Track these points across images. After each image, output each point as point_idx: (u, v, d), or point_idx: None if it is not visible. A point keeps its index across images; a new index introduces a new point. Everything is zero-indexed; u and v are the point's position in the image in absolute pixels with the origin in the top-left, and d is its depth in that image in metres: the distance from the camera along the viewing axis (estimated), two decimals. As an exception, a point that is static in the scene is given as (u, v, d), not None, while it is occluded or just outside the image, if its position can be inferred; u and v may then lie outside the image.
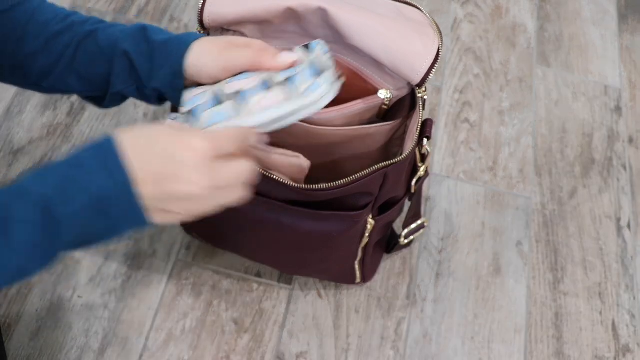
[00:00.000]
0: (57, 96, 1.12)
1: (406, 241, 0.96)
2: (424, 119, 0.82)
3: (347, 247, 0.89)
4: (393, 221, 0.95)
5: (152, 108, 1.13)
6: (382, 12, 0.80)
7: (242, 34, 0.83)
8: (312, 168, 0.79)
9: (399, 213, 0.93)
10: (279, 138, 0.77)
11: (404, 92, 0.83)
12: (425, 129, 0.82)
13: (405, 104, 0.84)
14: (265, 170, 0.76)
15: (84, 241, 0.58)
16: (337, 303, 0.97)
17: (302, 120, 0.76)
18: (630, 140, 1.22)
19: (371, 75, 0.83)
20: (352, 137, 0.82)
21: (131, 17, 1.25)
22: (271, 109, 0.66)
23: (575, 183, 1.14)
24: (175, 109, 0.75)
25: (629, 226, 1.10)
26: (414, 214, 0.94)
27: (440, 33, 0.80)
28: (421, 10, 0.82)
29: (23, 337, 0.90)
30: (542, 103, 1.24)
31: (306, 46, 0.72)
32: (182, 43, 0.71)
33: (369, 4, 0.81)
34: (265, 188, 0.79)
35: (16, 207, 0.54)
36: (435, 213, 1.08)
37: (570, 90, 1.27)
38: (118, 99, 0.76)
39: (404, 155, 0.79)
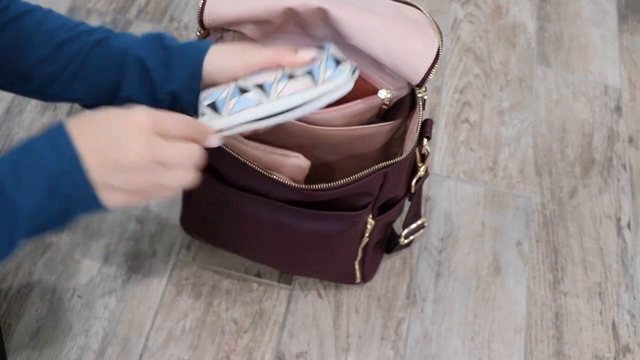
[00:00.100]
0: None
1: (406, 241, 0.96)
2: (424, 119, 0.82)
3: (347, 247, 0.89)
4: (393, 221, 0.95)
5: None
6: (382, 12, 0.80)
7: (242, 34, 0.83)
8: (312, 168, 0.79)
9: (399, 213, 0.93)
10: (279, 138, 0.77)
11: (404, 92, 0.83)
12: (425, 129, 0.82)
13: (405, 104, 0.84)
14: (265, 170, 0.76)
15: (42, 225, 0.59)
16: (337, 303, 0.97)
17: (302, 120, 0.76)
18: (630, 140, 1.22)
19: (371, 75, 0.83)
20: (352, 137, 0.82)
21: (131, 17, 1.25)
22: (297, 93, 0.66)
23: (575, 183, 1.14)
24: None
25: (629, 226, 1.10)
26: (414, 214, 0.94)
27: (440, 33, 0.80)
28: (421, 10, 0.82)
29: (23, 337, 0.90)
30: (542, 103, 1.24)
31: (320, 47, 0.72)
32: (201, 45, 0.72)
33: (369, 4, 0.81)
34: (265, 188, 0.79)
35: None
36: (435, 213, 1.08)
37: (570, 90, 1.27)
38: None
39: (404, 155, 0.79)
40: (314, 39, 0.84)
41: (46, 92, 0.76)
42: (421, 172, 0.86)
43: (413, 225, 0.95)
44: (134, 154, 0.57)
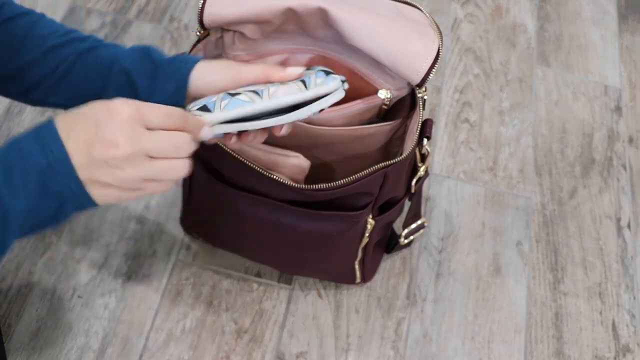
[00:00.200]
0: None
1: (406, 241, 0.96)
2: (424, 119, 0.82)
3: (347, 247, 0.89)
4: (393, 221, 0.95)
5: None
6: (382, 12, 0.80)
7: (242, 34, 0.83)
8: (312, 168, 0.79)
9: (399, 213, 0.93)
10: (279, 138, 0.77)
11: (404, 92, 0.83)
12: (425, 129, 0.82)
13: (405, 104, 0.84)
14: (265, 170, 0.76)
15: (35, 224, 0.58)
16: (337, 303, 0.97)
17: (302, 120, 0.76)
18: (630, 140, 1.22)
19: (371, 75, 0.83)
20: (352, 137, 0.82)
21: (131, 17, 1.25)
22: (290, 94, 0.66)
23: (575, 183, 1.14)
24: None
25: (629, 226, 1.10)
26: (414, 214, 0.94)
27: (440, 33, 0.80)
28: (421, 10, 0.82)
29: (23, 337, 0.90)
30: (542, 103, 1.24)
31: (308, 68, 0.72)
32: (188, 59, 0.71)
33: (369, 4, 0.81)
34: (265, 188, 0.79)
35: None
36: (435, 213, 1.08)
37: (570, 90, 1.27)
38: None
39: (404, 155, 0.79)
40: (314, 39, 0.84)
41: (30, 96, 0.76)
42: (421, 172, 0.86)
43: (413, 225, 0.95)
44: (118, 148, 0.56)
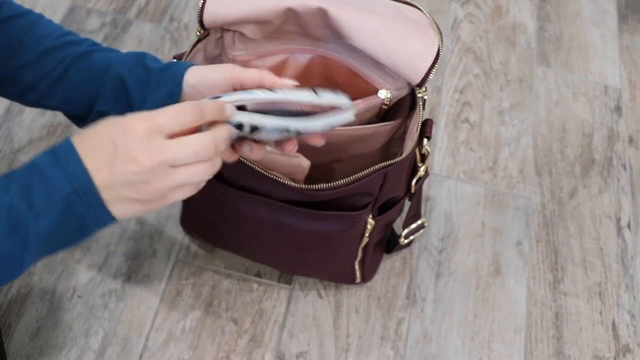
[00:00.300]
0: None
1: (406, 241, 0.96)
2: (424, 119, 0.82)
3: (347, 247, 0.89)
4: (393, 221, 0.95)
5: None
6: (382, 12, 0.80)
7: (242, 34, 0.83)
8: (312, 168, 0.79)
9: (399, 213, 0.93)
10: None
11: (404, 92, 0.83)
12: (425, 129, 0.82)
13: (405, 104, 0.84)
14: (265, 170, 0.76)
15: (55, 246, 0.59)
16: (337, 303, 0.97)
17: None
18: (630, 140, 1.22)
19: (371, 75, 0.83)
20: (352, 137, 0.82)
21: (131, 17, 1.25)
22: (303, 92, 0.64)
23: (575, 183, 1.14)
24: None
25: (629, 226, 1.10)
26: (414, 214, 0.94)
27: (440, 33, 0.80)
28: (421, 10, 0.82)
29: (23, 337, 0.90)
30: (542, 103, 1.24)
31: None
32: (181, 65, 0.71)
33: (369, 4, 0.81)
34: (265, 188, 0.79)
35: None
36: (435, 213, 1.08)
37: (570, 90, 1.27)
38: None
39: (404, 155, 0.79)
40: (314, 39, 0.84)
41: (26, 97, 0.76)
42: (421, 172, 0.86)
43: (413, 225, 0.95)
44: (138, 163, 0.55)
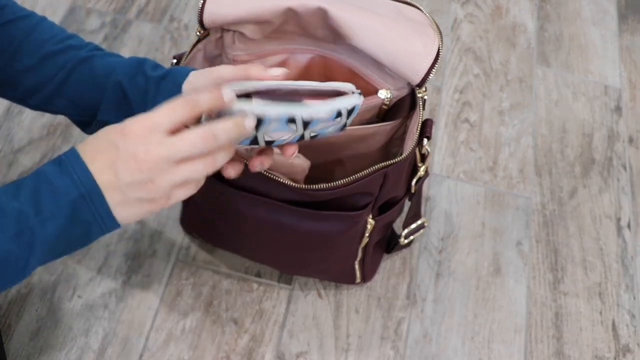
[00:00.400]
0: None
1: (406, 241, 0.96)
2: (424, 119, 0.82)
3: (347, 247, 0.89)
4: (393, 221, 0.95)
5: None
6: (382, 12, 0.80)
7: (242, 34, 0.83)
8: (312, 168, 0.79)
9: (399, 213, 0.93)
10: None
11: (404, 92, 0.83)
12: (425, 129, 0.82)
13: (405, 104, 0.84)
14: (265, 170, 0.76)
15: (60, 252, 0.60)
16: (337, 303, 0.97)
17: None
18: (630, 140, 1.22)
19: (371, 75, 0.83)
20: (352, 137, 0.82)
21: (131, 17, 1.25)
22: (308, 82, 0.64)
23: (575, 183, 1.14)
24: None
25: (629, 226, 1.10)
26: (414, 214, 0.94)
27: (440, 33, 0.80)
28: (421, 10, 0.82)
29: (23, 337, 0.90)
30: (542, 103, 1.24)
31: None
32: (180, 73, 0.71)
33: (369, 4, 0.81)
34: (265, 188, 0.79)
35: None
36: (435, 213, 1.08)
37: (570, 90, 1.27)
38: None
39: (404, 155, 0.79)
40: (314, 39, 0.84)
41: (28, 101, 0.76)
42: (421, 172, 0.86)
43: (413, 225, 0.95)
44: (138, 162, 0.56)
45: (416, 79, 0.79)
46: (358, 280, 0.95)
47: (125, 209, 0.59)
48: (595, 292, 1.03)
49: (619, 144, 1.20)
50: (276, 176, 0.76)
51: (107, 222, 0.59)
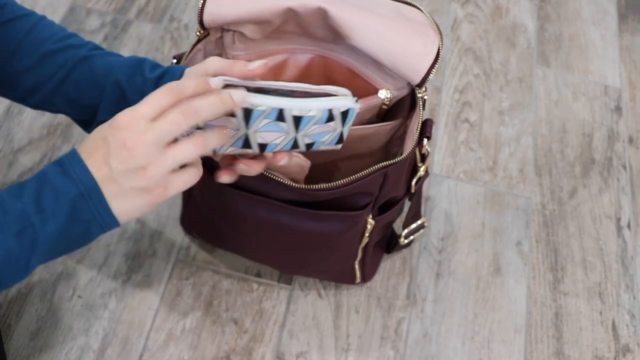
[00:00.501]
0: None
1: (406, 241, 0.96)
2: (424, 119, 0.82)
3: (347, 247, 0.89)
4: (393, 221, 0.95)
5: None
6: (382, 12, 0.80)
7: (242, 34, 0.83)
8: (312, 168, 0.79)
9: (399, 213, 0.93)
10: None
11: (404, 92, 0.83)
12: (425, 129, 0.82)
13: (405, 104, 0.84)
14: (265, 170, 0.76)
15: (59, 250, 0.60)
16: (337, 303, 0.97)
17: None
18: (630, 140, 1.22)
19: (371, 75, 0.83)
20: (352, 137, 0.82)
21: (131, 17, 1.25)
22: (302, 84, 0.64)
23: (575, 183, 1.14)
24: None
25: (629, 226, 1.10)
26: (414, 214, 0.94)
27: (440, 33, 0.80)
28: (421, 10, 0.82)
29: (23, 337, 0.90)
30: (542, 103, 1.24)
31: None
32: (176, 73, 0.71)
33: (369, 4, 0.81)
34: (265, 188, 0.79)
35: None
36: (435, 213, 1.08)
37: (570, 90, 1.27)
38: None
39: (404, 155, 0.79)
40: (314, 39, 0.84)
41: (28, 101, 0.76)
42: (421, 172, 0.86)
43: (413, 225, 0.95)
44: (128, 149, 0.57)
45: (416, 79, 0.79)
46: (358, 280, 0.95)
47: (122, 201, 0.59)
48: (595, 292, 1.03)
49: (619, 144, 1.20)
50: (276, 176, 0.76)
51: (106, 219, 0.59)
